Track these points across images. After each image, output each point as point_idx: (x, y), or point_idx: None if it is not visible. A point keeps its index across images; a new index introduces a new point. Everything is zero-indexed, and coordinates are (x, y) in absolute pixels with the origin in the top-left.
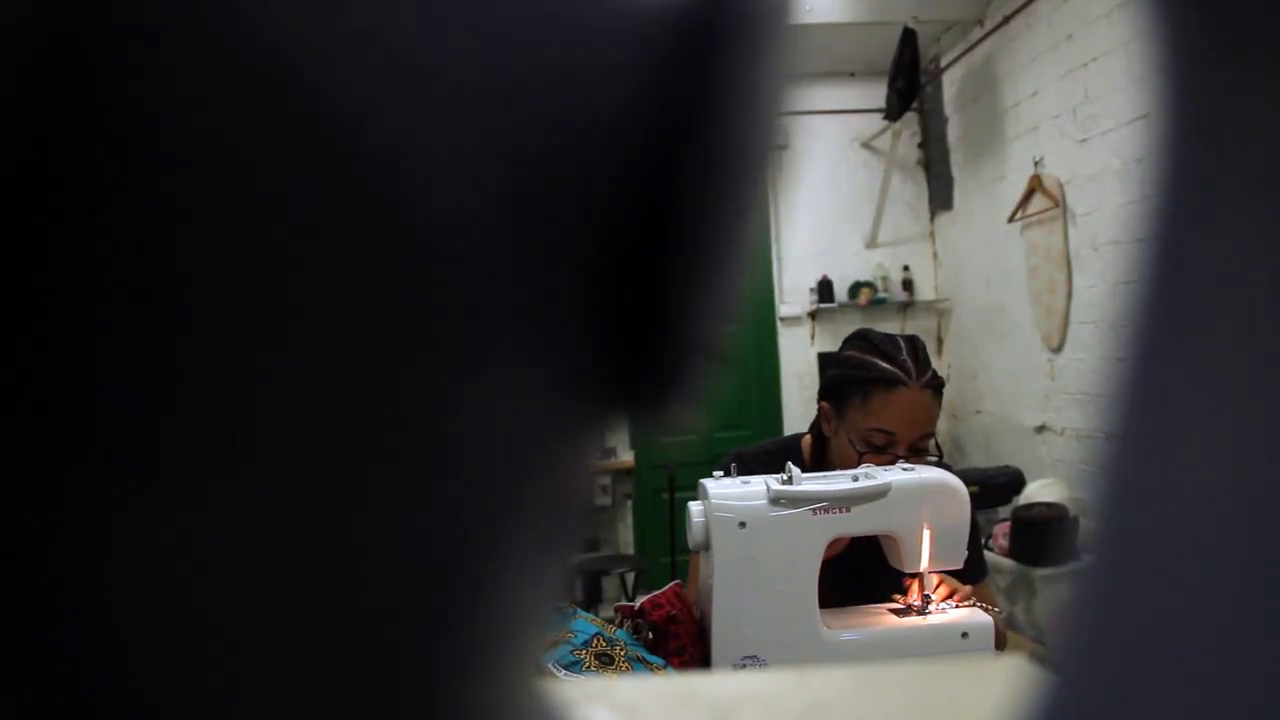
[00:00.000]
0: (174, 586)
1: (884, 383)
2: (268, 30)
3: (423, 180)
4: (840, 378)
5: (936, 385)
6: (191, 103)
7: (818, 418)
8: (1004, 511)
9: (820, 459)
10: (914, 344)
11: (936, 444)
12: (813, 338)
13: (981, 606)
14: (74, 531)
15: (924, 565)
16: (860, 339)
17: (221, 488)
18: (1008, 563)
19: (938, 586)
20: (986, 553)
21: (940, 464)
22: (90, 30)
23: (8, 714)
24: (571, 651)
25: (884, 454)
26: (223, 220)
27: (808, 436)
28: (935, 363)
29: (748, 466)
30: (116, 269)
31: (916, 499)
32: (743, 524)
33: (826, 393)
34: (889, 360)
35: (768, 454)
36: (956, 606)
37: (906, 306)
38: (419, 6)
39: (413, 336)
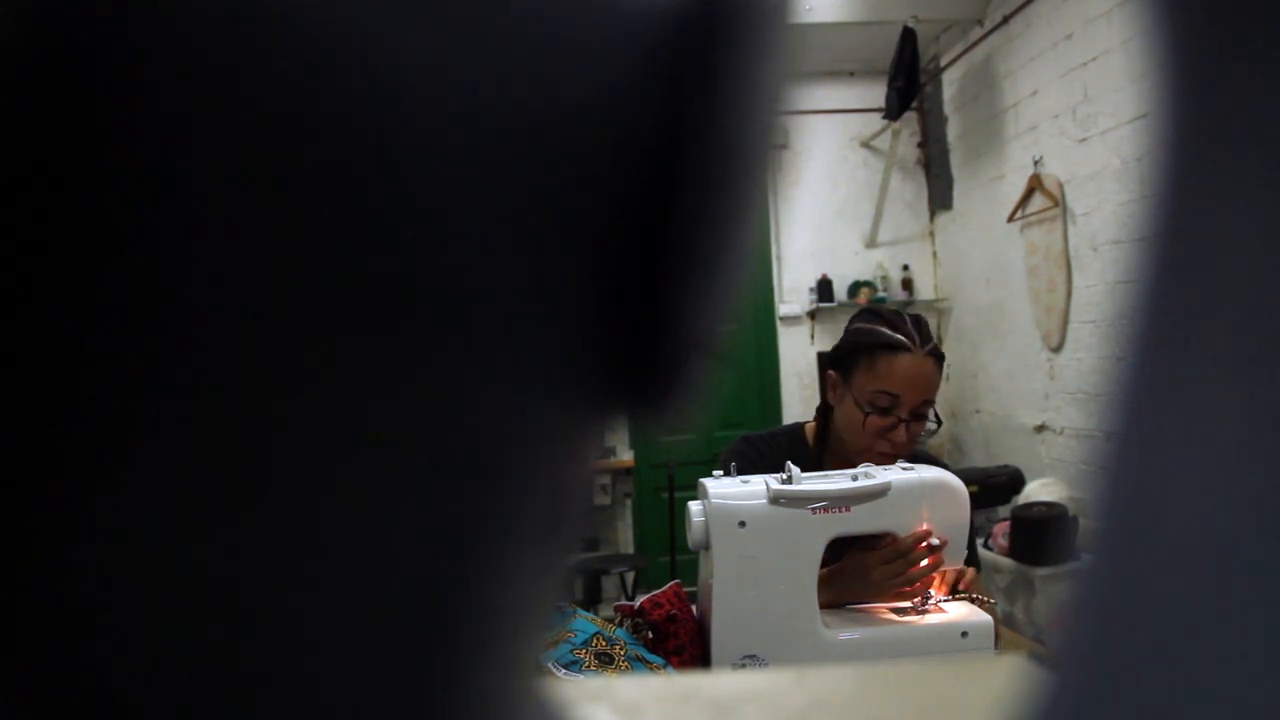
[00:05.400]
0: (177, 585)
1: (889, 347)
2: (281, 14)
3: (427, 176)
4: (848, 344)
5: (938, 354)
6: (204, 92)
7: (822, 400)
8: (1004, 511)
9: (824, 439)
10: (917, 319)
11: (936, 413)
12: (812, 337)
13: (976, 597)
14: (92, 532)
15: (923, 564)
16: (867, 312)
17: (220, 487)
18: (1008, 562)
19: (940, 585)
20: (986, 552)
21: (939, 463)
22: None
23: (31, 716)
24: (571, 651)
25: (888, 415)
26: (234, 219)
27: (811, 423)
28: None
29: (755, 448)
30: (129, 265)
31: (916, 498)
32: (742, 523)
33: (834, 362)
34: (894, 329)
35: (773, 436)
36: (959, 588)
37: (906, 306)
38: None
39: (413, 335)
